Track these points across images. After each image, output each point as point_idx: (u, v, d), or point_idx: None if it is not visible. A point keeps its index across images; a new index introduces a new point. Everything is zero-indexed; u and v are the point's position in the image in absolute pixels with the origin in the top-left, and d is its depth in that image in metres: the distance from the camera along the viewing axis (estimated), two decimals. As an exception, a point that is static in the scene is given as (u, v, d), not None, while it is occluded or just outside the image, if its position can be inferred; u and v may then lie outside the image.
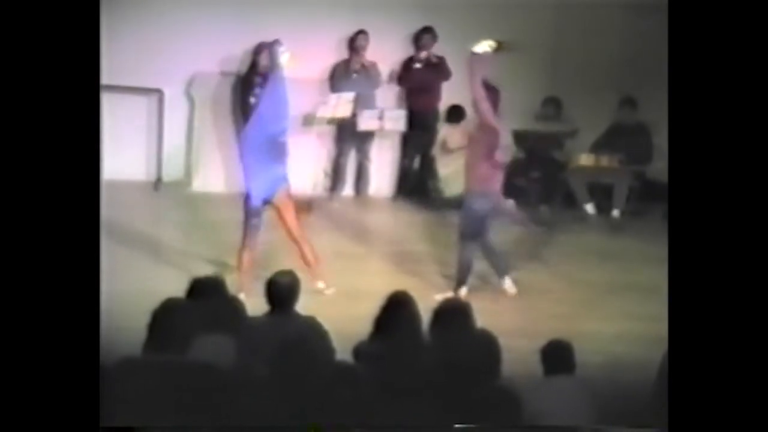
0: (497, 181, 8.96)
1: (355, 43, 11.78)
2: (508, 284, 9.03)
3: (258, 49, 11.42)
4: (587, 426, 5.58)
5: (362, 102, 11.53)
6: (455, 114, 11.80)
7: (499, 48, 8.73)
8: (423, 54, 11.83)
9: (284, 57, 8.65)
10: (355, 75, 11.71)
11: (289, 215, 8.73)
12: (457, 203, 11.63)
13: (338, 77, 11.67)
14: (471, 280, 8.96)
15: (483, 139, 8.73)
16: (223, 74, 11.81)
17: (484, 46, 8.69)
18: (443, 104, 11.66)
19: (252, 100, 11.53)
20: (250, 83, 11.53)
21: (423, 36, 11.83)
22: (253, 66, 11.53)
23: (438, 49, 11.78)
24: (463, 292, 8.77)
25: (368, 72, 11.78)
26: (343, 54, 11.83)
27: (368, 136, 11.97)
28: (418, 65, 11.87)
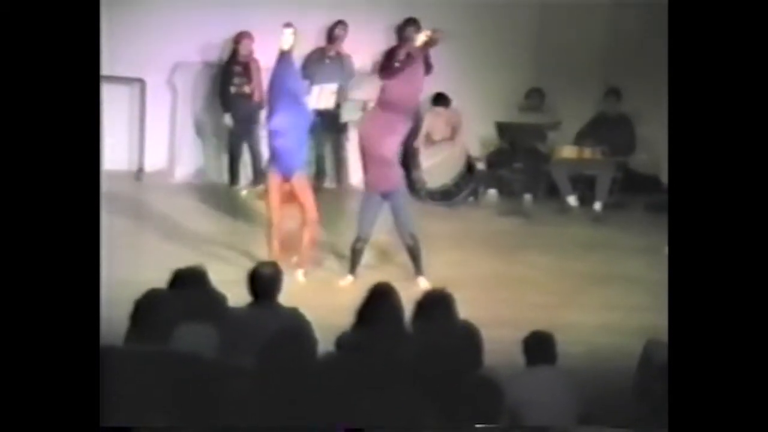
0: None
1: (333, 32, 11.75)
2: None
3: (238, 38, 11.40)
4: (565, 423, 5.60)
5: (341, 94, 11.52)
6: (440, 101, 11.82)
7: (435, 37, 8.79)
8: (403, 51, 11.77)
9: (286, 40, 8.71)
10: (328, 61, 11.63)
11: (308, 197, 8.92)
12: (439, 195, 11.69)
13: (312, 64, 11.56)
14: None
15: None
16: (206, 63, 11.79)
17: (422, 38, 8.78)
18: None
19: (232, 89, 11.51)
20: (230, 72, 11.49)
21: (407, 28, 11.80)
22: (233, 55, 11.49)
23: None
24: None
25: (342, 61, 11.74)
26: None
27: (349, 127, 11.95)
28: (398, 63, 11.80)
